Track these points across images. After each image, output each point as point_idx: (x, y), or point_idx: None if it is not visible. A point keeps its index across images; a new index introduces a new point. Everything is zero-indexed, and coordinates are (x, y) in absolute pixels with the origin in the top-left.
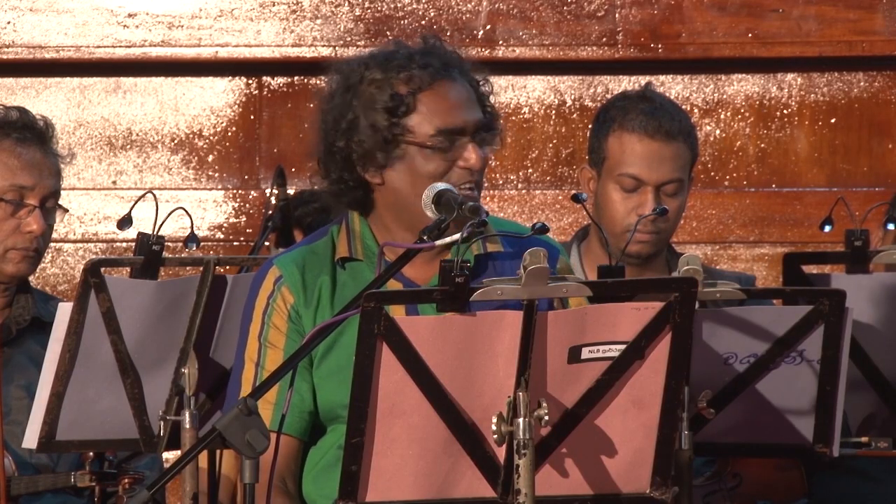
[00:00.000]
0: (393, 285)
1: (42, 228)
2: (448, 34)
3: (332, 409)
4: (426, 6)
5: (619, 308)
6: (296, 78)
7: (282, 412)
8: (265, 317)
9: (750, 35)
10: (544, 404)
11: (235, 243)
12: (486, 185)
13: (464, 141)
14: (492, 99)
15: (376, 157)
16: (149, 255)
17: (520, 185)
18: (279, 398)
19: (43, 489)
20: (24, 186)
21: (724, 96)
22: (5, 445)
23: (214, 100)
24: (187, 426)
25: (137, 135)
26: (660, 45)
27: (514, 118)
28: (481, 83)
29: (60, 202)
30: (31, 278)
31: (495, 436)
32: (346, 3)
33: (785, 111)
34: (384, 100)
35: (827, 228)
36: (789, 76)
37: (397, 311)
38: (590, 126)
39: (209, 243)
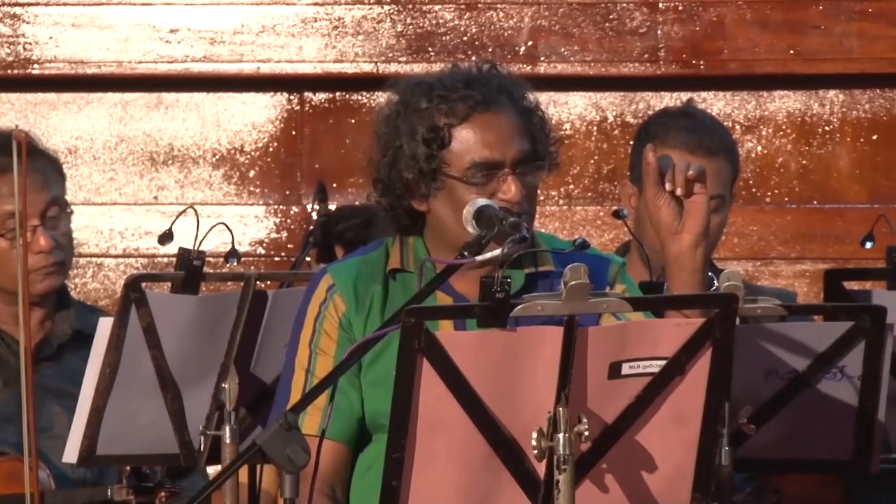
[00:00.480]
0: (443, 299)
1: (50, 243)
2: (490, 50)
3: (377, 417)
4: (468, 22)
5: (659, 324)
6: (337, 93)
7: (328, 419)
8: (316, 324)
9: (792, 52)
10: (584, 420)
11: (276, 259)
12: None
13: (503, 174)
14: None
15: (420, 187)
16: (190, 270)
17: (561, 202)
18: (328, 405)
19: (80, 503)
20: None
21: (766, 113)
22: (46, 460)
23: (256, 115)
24: (228, 441)
25: (179, 150)
26: (701, 62)
27: (555, 134)
28: (535, 111)
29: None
30: (71, 292)
31: (535, 451)
32: (388, 19)
33: (827, 128)
34: (423, 131)
35: (868, 245)
36: (831, 93)
37: (446, 326)
38: (631, 142)
39: (250, 259)
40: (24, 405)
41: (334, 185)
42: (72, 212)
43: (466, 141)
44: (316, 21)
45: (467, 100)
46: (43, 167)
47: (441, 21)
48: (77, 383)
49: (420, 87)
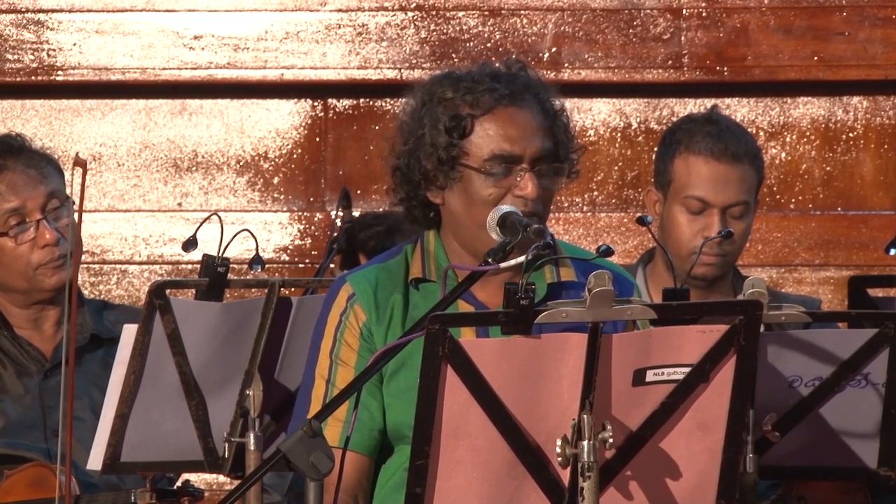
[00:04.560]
0: (465, 308)
1: (55, 236)
2: (514, 57)
3: (399, 428)
4: (492, 29)
5: (683, 331)
6: (361, 100)
7: (352, 428)
8: (337, 334)
9: (815, 58)
10: (609, 427)
11: (300, 265)
12: (551, 207)
13: (521, 169)
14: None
15: (437, 178)
16: (214, 276)
17: (585, 208)
18: (349, 416)
19: None
20: (16, 209)
21: (790, 119)
22: (71, 463)
23: (280, 122)
24: (252, 448)
25: (203, 157)
26: (725, 68)
27: (579, 141)
28: (560, 114)
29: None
30: (85, 292)
31: (560, 458)
32: (412, 26)
33: (850, 134)
34: (446, 120)
35: (893, 251)
36: (855, 99)
37: (467, 333)
38: (655, 149)
39: (274, 265)
40: (61, 407)
41: (358, 191)
42: (73, 202)
43: (487, 132)
44: (340, 27)
45: (492, 92)
46: (38, 163)
47: (465, 27)
48: (96, 385)
49: (447, 78)
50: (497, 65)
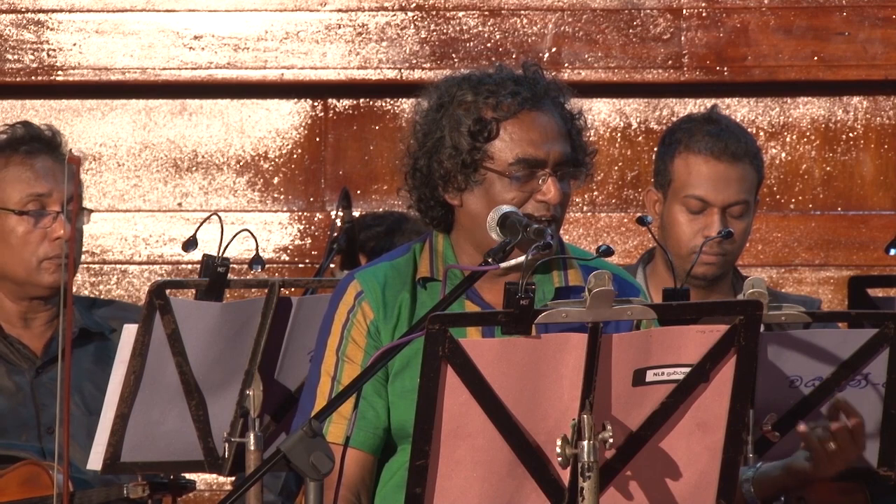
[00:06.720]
0: (471, 308)
1: (68, 233)
2: (514, 57)
3: (403, 427)
4: (492, 29)
5: (683, 331)
6: (361, 100)
7: (353, 427)
8: (344, 331)
9: (815, 58)
10: (609, 427)
11: (300, 265)
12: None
13: (544, 173)
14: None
15: (456, 180)
16: (214, 276)
17: (585, 208)
18: (353, 413)
19: (97, 502)
20: (41, 194)
21: (790, 119)
22: (62, 459)
23: (280, 122)
24: (252, 448)
25: (203, 157)
26: (725, 68)
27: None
28: (577, 117)
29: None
30: (85, 292)
31: (560, 458)
32: (412, 26)
33: (850, 134)
34: (469, 123)
35: (893, 252)
36: (855, 99)
37: (473, 334)
38: (655, 149)
39: (274, 265)
40: (58, 405)
41: (358, 191)
42: (90, 212)
43: (513, 136)
44: (340, 27)
45: (516, 96)
46: (63, 166)
47: (465, 27)
48: (86, 379)
49: (466, 81)
50: (499, 65)
